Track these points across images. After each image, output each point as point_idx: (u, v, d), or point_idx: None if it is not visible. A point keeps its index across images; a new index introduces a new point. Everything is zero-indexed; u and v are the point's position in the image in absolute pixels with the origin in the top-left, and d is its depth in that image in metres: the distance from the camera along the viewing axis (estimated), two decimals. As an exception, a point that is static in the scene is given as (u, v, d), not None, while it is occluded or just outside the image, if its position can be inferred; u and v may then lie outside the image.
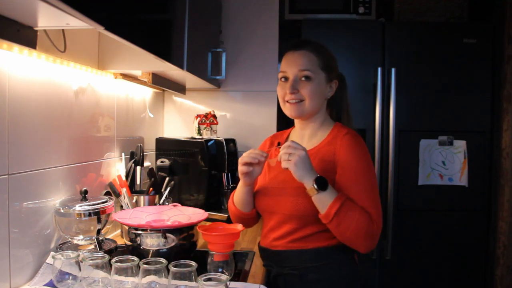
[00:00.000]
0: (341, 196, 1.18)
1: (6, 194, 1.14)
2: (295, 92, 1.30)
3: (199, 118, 2.23)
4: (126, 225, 1.37)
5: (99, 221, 1.37)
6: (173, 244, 1.34)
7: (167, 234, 1.33)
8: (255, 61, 2.44)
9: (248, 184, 1.32)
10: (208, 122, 2.23)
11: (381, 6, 2.51)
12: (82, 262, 1.14)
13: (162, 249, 1.33)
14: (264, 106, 2.45)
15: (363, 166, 1.25)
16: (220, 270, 1.25)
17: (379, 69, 2.26)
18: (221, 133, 2.33)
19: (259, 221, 1.47)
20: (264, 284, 1.30)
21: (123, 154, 1.88)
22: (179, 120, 2.51)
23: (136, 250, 1.34)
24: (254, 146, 1.29)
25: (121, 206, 1.73)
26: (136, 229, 1.34)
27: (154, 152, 2.23)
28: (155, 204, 1.78)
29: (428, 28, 2.32)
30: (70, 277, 1.15)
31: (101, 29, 0.92)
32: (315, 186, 1.16)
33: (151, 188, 1.83)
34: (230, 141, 2.25)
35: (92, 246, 1.38)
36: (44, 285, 1.20)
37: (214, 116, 2.25)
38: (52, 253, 1.24)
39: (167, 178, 1.89)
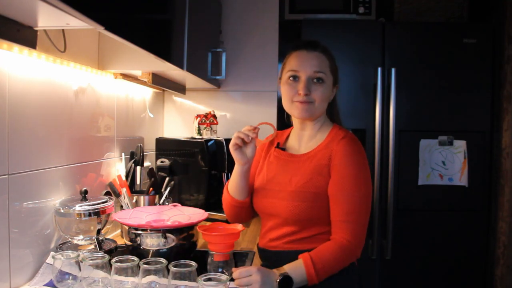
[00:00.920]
0: (306, 260, 1.17)
1: (6, 194, 1.14)
2: (307, 93, 1.27)
3: (199, 118, 2.23)
4: (126, 225, 1.37)
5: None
6: (173, 244, 1.34)
7: (167, 234, 1.33)
8: (255, 61, 2.44)
9: (241, 163, 1.30)
10: (208, 122, 2.23)
11: (381, 6, 2.50)
12: (82, 262, 1.14)
13: (162, 249, 1.33)
14: (264, 106, 2.45)
15: (354, 175, 1.24)
16: (220, 270, 1.25)
17: (379, 69, 2.26)
18: (221, 133, 2.33)
19: (258, 221, 1.47)
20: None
21: (123, 154, 1.88)
22: (179, 120, 2.52)
23: (136, 250, 1.34)
24: (254, 146, 1.29)
25: (121, 206, 1.73)
26: (136, 229, 1.34)
27: (154, 152, 2.24)
28: (155, 204, 1.78)
29: (428, 28, 2.32)
30: (70, 277, 1.15)
31: (101, 29, 0.92)
32: None
33: (151, 188, 1.83)
34: (230, 141, 2.24)
35: (92, 246, 1.38)
36: (44, 285, 1.20)
37: (214, 116, 2.25)
38: (52, 253, 1.25)
39: (167, 178, 1.89)
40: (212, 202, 2.13)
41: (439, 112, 2.31)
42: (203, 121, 2.23)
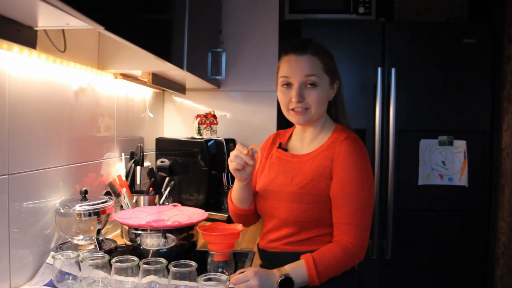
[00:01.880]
0: (308, 261, 1.16)
1: (6, 194, 1.14)
2: (301, 100, 1.25)
3: (199, 118, 2.23)
4: (126, 225, 1.37)
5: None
6: (173, 244, 1.34)
7: (167, 234, 1.33)
8: (255, 61, 2.44)
9: (242, 180, 1.29)
10: (208, 122, 2.23)
11: (381, 6, 2.50)
12: (82, 262, 1.14)
13: (162, 249, 1.33)
14: (264, 106, 2.45)
15: (357, 176, 1.23)
16: (220, 270, 1.25)
17: (379, 69, 2.26)
18: (221, 133, 2.33)
19: (259, 221, 1.47)
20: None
21: (123, 154, 1.88)
22: (179, 120, 2.52)
23: (136, 250, 1.34)
24: (254, 146, 1.28)
25: (121, 206, 1.73)
26: (136, 229, 1.34)
27: (154, 152, 2.24)
28: (155, 204, 1.78)
29: (428, 28, 2.32)
30: (70, 277, 1.15)
31: (101, 29, 0.92)
32: None
33: (151, 188, 1.83)
34: (230, 141, 2.25)
35: (92, 246, 1.38)
36: (44, 285, 1.20)
37: (214, 116, 2.25)
38: (52, 253, 1.25)
39: (167, 178, 1.89)
40: (212, 202, 2.13)
41: (439, 112, 2.31)
42: (203, 121, 2.23)
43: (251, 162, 1.23)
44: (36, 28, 1.08)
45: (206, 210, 1.57)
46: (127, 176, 1.82)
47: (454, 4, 2.46)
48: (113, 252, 1.40)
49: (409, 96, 2.30)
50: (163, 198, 1.84)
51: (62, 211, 1.32)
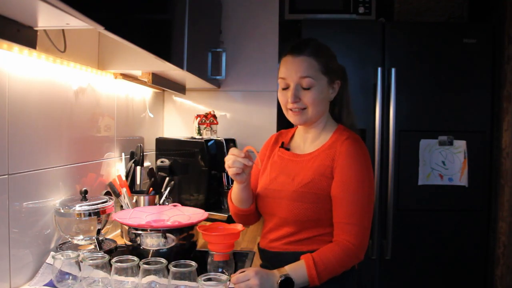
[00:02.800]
0: (308, 261, 1.17)
1: (6, 194, 1.14)
2: (297, 101, 1.26)
3: (199, 118, 2.23)
4: (126, 225, 1.37)
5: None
6: (173, 244, 1.34)
7: (167, 234, 1.33)
8: (255, 61, 2.44)
9: (242, 182, 1.30)
10: (208, 122, 2.23)
11: (381, 6, 2.50)
12: (82, 262, 1.14)
13: (162, 249, 1.33)
14: (264, 106, 2.45)
15: (358, 176, 1.23)
16: (220, 270, 1.25)
17: (379, 69, 2.26)
18: (221, 133, 2.33)
19: (260, 221, 1.47)
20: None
21: (123, 154, 1.88)
22: (179, 120, 2.52)
23: (136, 250, 1.34)
24: (254, 146, 1.28)
25: (121, 206, 1.73)
26: (136, 229, 1.34)
27: (154, 152, 2.24)
28: (155, 204, 1.78)
29: (428, 28, 2.32)
30: (70, 277, 1.15)
31: (101, 29, 0.92)
32: None
33: (151, 188, 1.83)
34: (230, 141, 2.25)
35: (92, 246, 1.38)
36: (44, 285, 1.20)
37: (214, 116, 2.25)
38: (52, 253, 1.25)
39: (167, 178, 1.89)
40: (212, 202, 2.13)
41: (439, 112, 2.31)
42: (203, 121, 2.23)
43: (250, 163, 1.25)
44: (36, 28, 1.08)
45: (206, 210, 1.57)
46: (127, 176, 1.82)
47: (454, 4, 2.46)
48: (113, 252, 1.40)
49: (409, 96, 2.30)
50: (163, 198, 1.84)
51: (62, 211, 1.32)
